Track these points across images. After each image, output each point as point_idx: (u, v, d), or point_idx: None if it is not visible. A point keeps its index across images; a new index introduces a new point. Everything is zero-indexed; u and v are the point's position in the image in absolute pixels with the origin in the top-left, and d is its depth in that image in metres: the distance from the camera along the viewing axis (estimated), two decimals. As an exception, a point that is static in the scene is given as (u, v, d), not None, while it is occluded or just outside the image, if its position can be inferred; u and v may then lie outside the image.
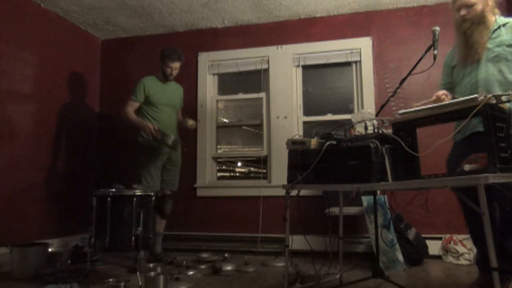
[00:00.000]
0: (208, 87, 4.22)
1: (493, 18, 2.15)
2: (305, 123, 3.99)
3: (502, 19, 2.16)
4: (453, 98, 1.89)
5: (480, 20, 2.11)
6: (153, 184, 3.24)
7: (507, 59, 2.06)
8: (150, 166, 3.28)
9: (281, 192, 2.25)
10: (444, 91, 2.16)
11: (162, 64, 3.38)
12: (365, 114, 2.19)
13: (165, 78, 3.42)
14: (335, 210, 2.95)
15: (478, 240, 2.24)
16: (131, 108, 3.31)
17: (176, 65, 3.39)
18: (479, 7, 2.10)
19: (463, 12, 2.11)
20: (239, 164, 4.30)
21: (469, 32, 2.12)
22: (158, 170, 3.33)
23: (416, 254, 3.11)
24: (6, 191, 3.22)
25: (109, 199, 2.60)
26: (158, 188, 3.30)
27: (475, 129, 2.10)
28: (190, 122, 3.53)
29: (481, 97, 1.60)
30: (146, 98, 3.33)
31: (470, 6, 2.10)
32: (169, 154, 3.37)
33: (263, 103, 4.10)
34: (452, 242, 3.24)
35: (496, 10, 2.17)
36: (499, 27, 2.12)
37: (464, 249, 3.17)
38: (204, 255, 3.47)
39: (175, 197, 3.46)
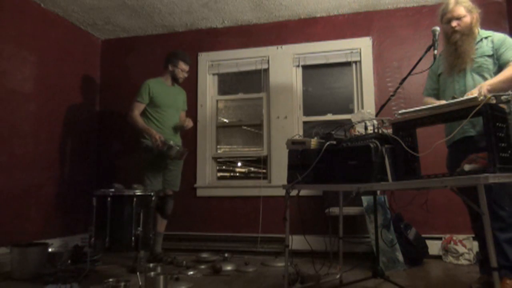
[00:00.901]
0: (208, 87, 4.22)
1: (477, 31, 2.29)
2: (305, 123, 3.99)
3: (483, 32, 2.31)
4: (453, 98, 1.90)
5: (469, 32, 2.25)
6: (155, 184, 3.25)
7: (488, 69, 2.22)
8: (154, 167, 3.29)
9: (281, 192, 2.25)
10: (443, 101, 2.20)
11: (173, 67, 3.40)
12: (365, 114, 2.19)
13: (174, 81, 3.45)
14: (335, 210, 2.95)
15: (482, 240, 2.27)
16: (137, 111, 3.31)
17: (187, 68, 3.46)
18: (468, 19, 2.25)
19: (454, 24, 2.24)
20: (239, 164, 4.30)
21: (460, 43, 2.25)
22: (160, 170, 3.34)
23: (416, 254, 3.11)
24: (6, 191, 3.22)
25: (109, 199, 2.60)
26: (160, 188, 3.31)
27: (465, 134, 2.20)
28: (186, 123, 3.46)
29: (481, 97, 1.60)
30: (150, 100, 3.34)
31: (459, 18, 2.24)
32: None
33: (263, 103, 4.10)
34: (452, 242, 3.24)
35: (479, 24, 2.31)
36: (481, 39, 2.28)
37: (464, 249, 3.17)
38: (204, 255, 3.47)
39: (175, 197, 3.46)
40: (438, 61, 2.43)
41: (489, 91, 1.95)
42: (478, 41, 2.27)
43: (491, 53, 2.22)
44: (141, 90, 3.32)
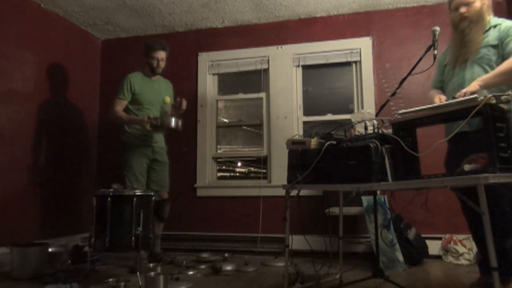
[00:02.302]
0: (208, 87, 4.22)
1: (487, 18, 2.14)
2: (305, 123, 3.99)
3: (494, 20, 2.15)
4: (453, 98, 1.89)
5: (478, 18, 2.10)
6: (137, 184, 3.12)
7: (490, 60, 2.07)
8: (134, 166, 3.19)
9: (281, 192, 2.25)
10: (445, 97, 2.16)
11: (147, 58, 3.28)
12: (365, 114, 2.19)
13: (152, 71, 3.31)
14: (335, 210, 2.95)
15: (479, 241, 2.26)
16: (119, 107, 3.22)
17: (161, 55, 3.27)
18: (477, 4, 2.10)
19: (462, 9, 2.10)
20: (239, 164, 4.30)
21: (467, 31, 2.11)
22: (143, 170, 3.24)
23: (416, 254, 3.11)
24: (6, 191, 3.22)
25: (109, 199, 2.60)
26: (144, 188, 3.17)
27: (461, 130, 2.07)
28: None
29: (481, 97, 1.60)
30: (132, 96, 3.24)
31: (468, 4, 2.10)
32: (153, 154, 3.29)
33: (263, 103, 4.10)
34: (452, 242, 3.24)
35: (491, 11, 2.16)
36: (490, 28, 2.12)
37: (464, 249, 3.17)
38: (204, 255, 3.47)
39: (174, 197, 3.46)
40: (445, 52, 2.35)
41: (481, 86, 1.88)
42: (487, 30, 2.11)
43: (495, 43, 2.06)
44: (122, 86, 3.22)
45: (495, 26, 2.11)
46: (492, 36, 2.08)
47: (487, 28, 2.11)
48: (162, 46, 3.28)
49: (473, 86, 1.89)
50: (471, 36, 2.09)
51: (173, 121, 3.08)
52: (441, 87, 2.38)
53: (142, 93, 3.26)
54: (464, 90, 1.91)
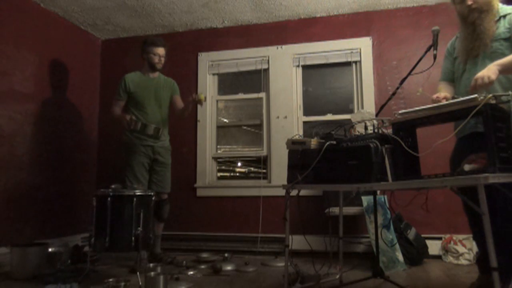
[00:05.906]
0: (208, 87, 4.22)
1: (496, 6, 2.02)
2: (305, 123, 3.99)
3: (504, 9, 2.03)
4: (453, 98, 1.88)
5: (488, 7, 1.98)
6: (137, 185, 3.10)
7: (503, 54, 1.94)
8: (134, 166, 3.19)
9: (281, 192, 2.25)
10: (444, 95, 2.10)
11: (147, 54, 3.31)
12: (365, 114, 2.19)
13: (152, 68, 3.33)
14: (335, 210, 2.95)
15: (479, 240, 2.26)
16: (116, 107, 3.30)
17: (162, 51, 3.31)
18: None
19: (469, 1, 1.99)
20: (239, 164, 4.30)
21: (478, 22, 1.99)
22: (144, 170, 3.23)
23: (416, 254, 3.11)
24: (6, 191, 3.22)
25: (109, 199, 2.60)
26: (144, 188, 3.14)
27: (474, 130, 2.07)
28: (202, 97, 3.24)
29: (481, 97, 1.59)
30: (129, 95, 3.27)
31: None
32: (153, 154, 3.28)
33: (263, 103, 4.10)
34: (452, 242, 3.24)
35: None
36: (499, 18, 2.00)
37: (464, 249, 3.17)
38: (204, 255, 3.47)
39: (173, 197, 3.46)
40: (454, 42, 2.26)
41: (499, 71, 1.79)
42: (497, 20, 1.98)
43: (507, 35, 1.94)
44: (118, 87, 3.31)
45: (504, 16, 1.99)
46: (503, 28, 1.97)
47: (496, 18, 2.00)
48: (162, 43, 3.34)
49: (492, 70, 1.77)
50: (484, 26, 1.97)
51: (151, 130, 3.16)
52: (451, 78, 2.28)
53: (137, 91, 3.28)
54: (480, 74, 1.78)
